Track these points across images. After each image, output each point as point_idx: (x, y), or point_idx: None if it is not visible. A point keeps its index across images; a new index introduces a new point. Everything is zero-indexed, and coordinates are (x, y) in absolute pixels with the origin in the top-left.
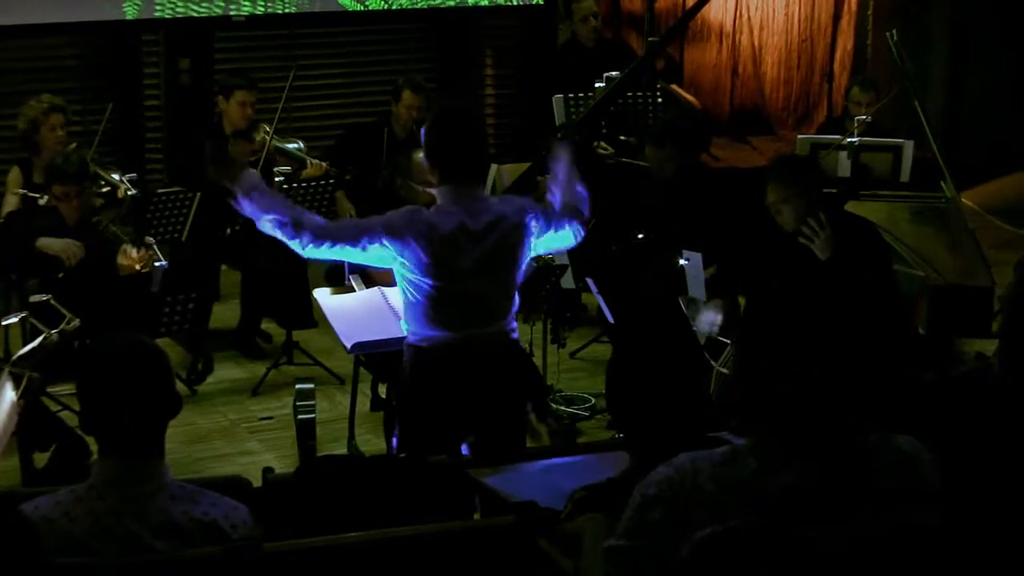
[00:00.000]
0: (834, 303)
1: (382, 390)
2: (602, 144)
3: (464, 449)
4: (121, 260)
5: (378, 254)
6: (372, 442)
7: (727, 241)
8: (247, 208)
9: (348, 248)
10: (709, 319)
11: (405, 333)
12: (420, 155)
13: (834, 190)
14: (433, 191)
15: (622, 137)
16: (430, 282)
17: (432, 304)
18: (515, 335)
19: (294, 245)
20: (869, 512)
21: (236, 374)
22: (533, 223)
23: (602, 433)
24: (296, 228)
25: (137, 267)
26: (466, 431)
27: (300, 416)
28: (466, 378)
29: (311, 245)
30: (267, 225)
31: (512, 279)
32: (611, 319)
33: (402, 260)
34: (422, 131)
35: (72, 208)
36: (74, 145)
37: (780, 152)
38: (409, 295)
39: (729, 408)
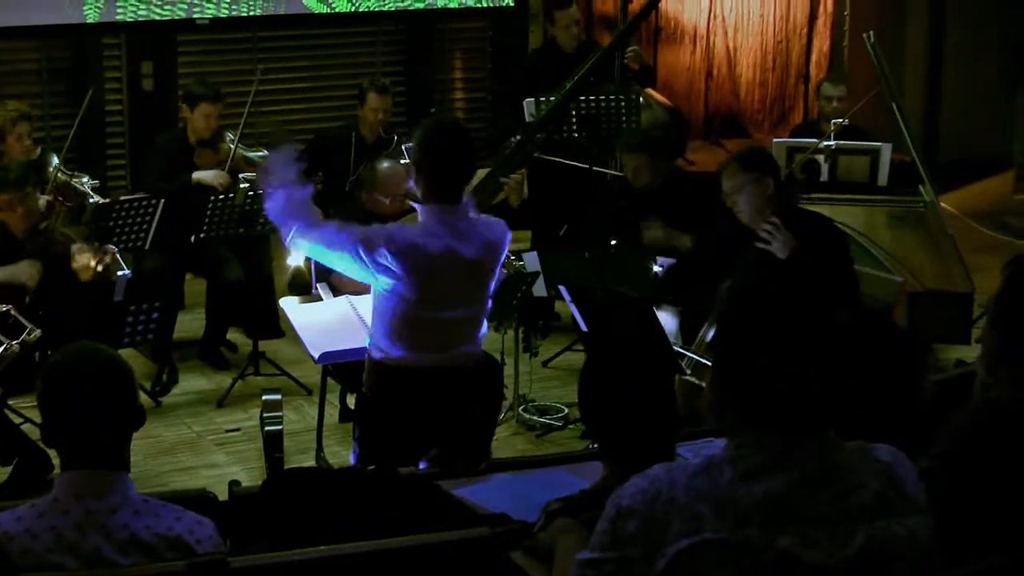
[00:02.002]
0: (798, 301)
1: (351, 401)
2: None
3: (423, 464)
4: (75, 265)
5: (352, 264)
6: (340, 454)
7: (704, 244)
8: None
9: (320, 246)
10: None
11: (369, 345)
12: (384, 166)
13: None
14: (416, 206)
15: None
16: (404, 302)
17: (403, 325)
18: (480, 349)
19: (286, 232)
20: (848, 522)
21: (201, 385)
22: (505, 249)
23: (576, 443)
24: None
25: (92, 263)
26: (426, 448)
27: (267, 428)
28: (428, 399)
29: (299, 231)
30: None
31: (486, 303)
32: (584, 327)
33: (379, 274)
34: (407, 146)
35: (18, 217)
36: (39, 150)
37: (731, 152)
38: (380, 312)
39: (699, 416)
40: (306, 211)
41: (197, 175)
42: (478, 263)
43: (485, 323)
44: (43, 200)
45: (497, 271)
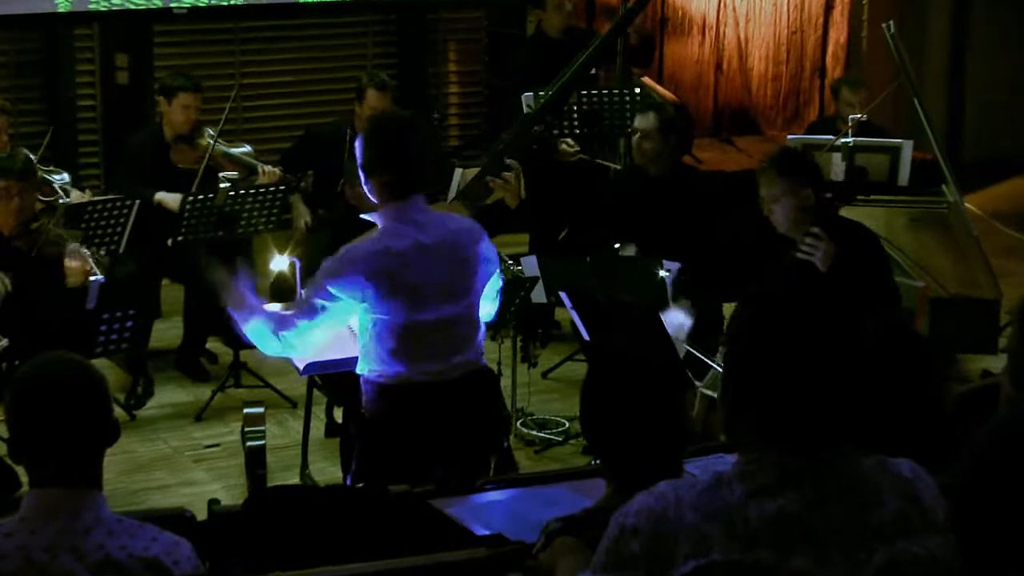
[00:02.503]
0: (834, 313)
1: (338, 414)
2: (567, 142)
3: None
4: (70, 264)
5: (340, 310)
6: (327, 471)
7: (712, 246)
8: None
9: (307, 321)
10: (676, 321)
11: (361, 371)
12: None
13: (829, 194)
14: (372, 217)
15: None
16: (394, 315)
17: (397, 338)
18: (483, 361)
19: (275, 349)
20: (866, 541)
21: (179, 397)
22: (488, 248)
23: (577, 459)
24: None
25: (88, 267)
26: (432, 468)
27: (249, 443)
28: (436, 415)
29: (283, 335)
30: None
31: (476, 302)
32: (586, 336)
33: (362, 303)
34: (357, 145)
35: (11, 210)
36: (9, 147)
37: (769, 154)
38: (370, 333)
39: (715, 430)
40: (273, 315)
41: (159, 197)
42: (449, 247)
43: (483, 329)
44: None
45: (479, 261)
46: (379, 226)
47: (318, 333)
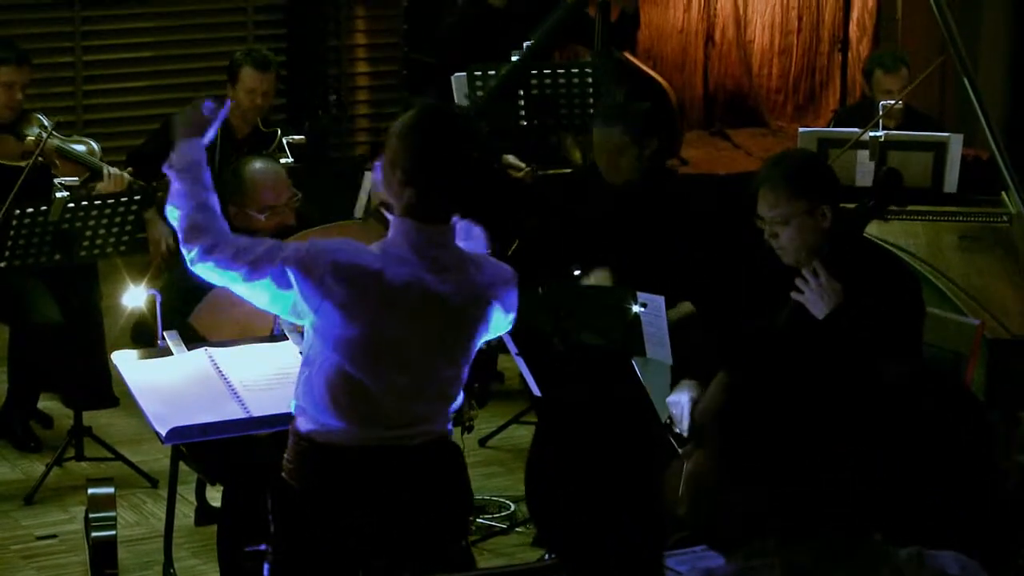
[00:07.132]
0: (830, 373)
1: (212, 495)
2: (510, 161)
3: None
4: None
5: (276, 295)
6: (198, 569)
7: (706, 278)
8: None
9: (237, 272)
10: (674, 408)
11: (295, 410)
12: (255, 167)
13: (851, 205)
14: (389, 215)
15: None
16: (352, 362)
17: (349, 393)
18: (450, 427)
19: (188, 251)
20: None
21: (2, 474)
22: (505, 311)
23: (526, 552)
24: (196, 232)
25: None
26: (369, 557)
27: (95, 533)
28: (379, 492)
29: (202, 250)
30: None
31: (460, 368)
32: (536, 391)
33: (312, 316)
34: (395, 133)
35: None
36: None
37: (776, 152)
38: (317, 366)
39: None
40: (215, 218)
41: None
42: (454, 308)
43: (461, 398)
44: None
45: (483, 328)
46: (388, 236)
47: (227, 276)
